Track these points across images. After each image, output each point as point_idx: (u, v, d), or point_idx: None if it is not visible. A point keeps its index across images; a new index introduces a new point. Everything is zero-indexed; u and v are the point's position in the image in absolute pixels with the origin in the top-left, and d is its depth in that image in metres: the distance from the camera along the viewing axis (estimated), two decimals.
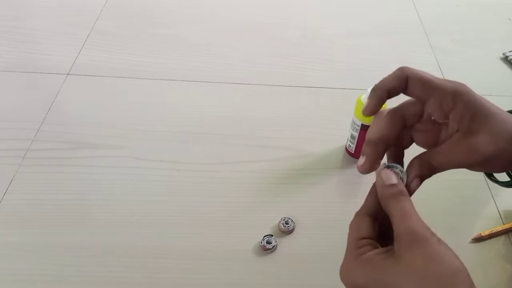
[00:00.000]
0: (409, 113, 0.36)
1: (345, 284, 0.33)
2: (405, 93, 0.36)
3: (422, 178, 0.35)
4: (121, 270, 0.50)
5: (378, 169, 0.35)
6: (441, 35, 0.87)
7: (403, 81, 0.35)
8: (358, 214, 0.36)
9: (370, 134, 0.36)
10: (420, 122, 0.36)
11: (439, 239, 0.31)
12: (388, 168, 0.35)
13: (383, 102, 0.36)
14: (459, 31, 0.89)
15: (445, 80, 0.35)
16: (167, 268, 0.51)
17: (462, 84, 0.35)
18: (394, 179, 0.34)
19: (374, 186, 0.36)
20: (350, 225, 0.35)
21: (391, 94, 0.35)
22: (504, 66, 0.81)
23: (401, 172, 0.35)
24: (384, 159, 0.36)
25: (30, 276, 0.50)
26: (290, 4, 0.94)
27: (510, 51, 0.83)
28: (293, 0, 0.95)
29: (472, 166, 0.35)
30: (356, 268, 0.32)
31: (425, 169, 0.35)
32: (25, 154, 0.62)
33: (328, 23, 0.89)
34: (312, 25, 0.88)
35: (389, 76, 0.35)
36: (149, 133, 0.65)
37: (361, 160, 0.35)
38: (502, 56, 0.83)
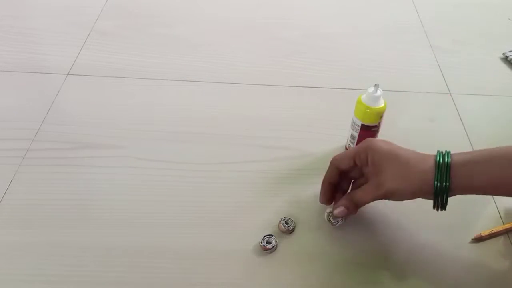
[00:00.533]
0: (343, 167, 0.53)
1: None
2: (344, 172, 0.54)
3: (349, 210, 0.52)
4: (121, 270, 0.50)
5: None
6: (441, 35, 0.87)
7: (336, 172, 0.54)
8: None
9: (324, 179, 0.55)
10: (353, 171, 0.54)
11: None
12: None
13: (332, 190, 0.55)
14: (459, 31, 0.89)
15: (357, 146, 0.52)
16: (167, 268, 0.51)
17: (369, 141, 0.51)
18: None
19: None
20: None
21: (332, 183, 0.54)
22: (504, 66, 0.81)
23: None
24: None
25: (30, 276, 0.50)
26: (290, 4, 0.94)
27: (510, 51, 0.83)
28: (293, 0, 0.95)
29: (383, 198, 0.50)
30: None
31: (351, 204, 0.52)
32: (25, 154, 0.62)
33: (328, 23, 0.89)
34: (312, 25, 0.88)
35: (327, 172, 0.54)
36: (149, 133, 0.65)
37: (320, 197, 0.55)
38: (502, 56, 0.83)
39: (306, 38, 0.85)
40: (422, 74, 0.78)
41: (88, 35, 0.82)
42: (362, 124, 0.58)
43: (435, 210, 0.48)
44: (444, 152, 0.47)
